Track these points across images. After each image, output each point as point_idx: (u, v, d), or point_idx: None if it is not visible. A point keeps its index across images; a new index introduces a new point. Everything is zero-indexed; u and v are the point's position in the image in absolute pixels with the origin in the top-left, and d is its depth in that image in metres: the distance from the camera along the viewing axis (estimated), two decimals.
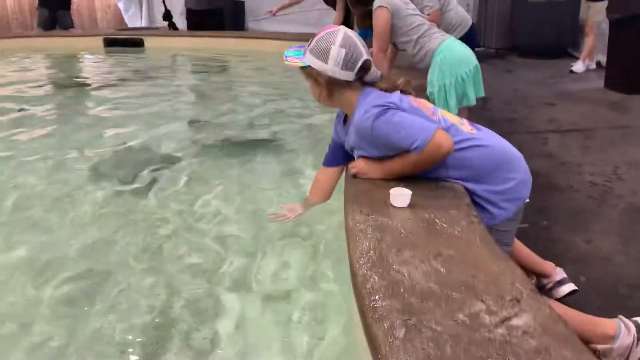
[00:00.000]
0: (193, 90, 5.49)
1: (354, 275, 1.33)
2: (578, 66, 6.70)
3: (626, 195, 3.15)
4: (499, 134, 1.93)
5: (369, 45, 2.14)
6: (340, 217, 1.80)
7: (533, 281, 2.10)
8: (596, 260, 2.48)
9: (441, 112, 1.88)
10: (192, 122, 4.12)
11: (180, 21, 7.72)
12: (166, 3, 7.63)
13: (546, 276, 2.14)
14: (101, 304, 1.92)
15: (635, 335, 1.75)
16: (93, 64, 7.01)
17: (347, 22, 5.26)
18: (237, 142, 3.63)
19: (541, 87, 6.11)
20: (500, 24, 8.24)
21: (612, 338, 1.74)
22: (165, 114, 4.40)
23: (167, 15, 7.61)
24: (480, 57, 3.19)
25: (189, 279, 2.07)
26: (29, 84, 5.49)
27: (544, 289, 2.11)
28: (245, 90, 5.25)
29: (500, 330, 1.07)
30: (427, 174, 1.82)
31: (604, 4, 5.91)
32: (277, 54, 2.23)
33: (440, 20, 3.70)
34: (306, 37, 1.97)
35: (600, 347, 1.75)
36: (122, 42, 7.26)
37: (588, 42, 6.70)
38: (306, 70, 1.86)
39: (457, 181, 1.81)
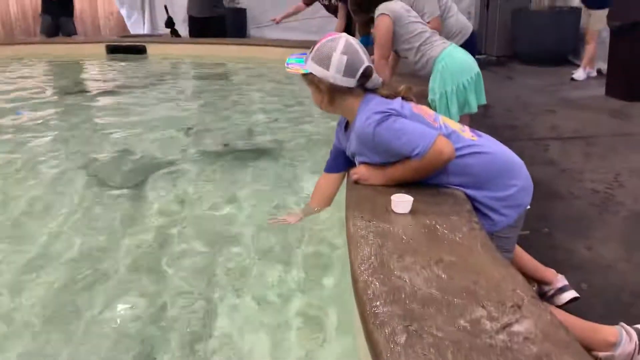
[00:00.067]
0: (194, 96, 5.51)
1: (355, 281, 1.33)
2: (579, 74, 6.72)
3: (628, 203, 3.15)
4: (500, 141, 1.93)
5: (371, 52, 2.16)
6: (341, 222, 1.80)
7: (534, 288, 2.10)
8: (598, 267, 2.48)
9: (442, 119, 1.89)
10: (192, 128, 4.13)
11: (183, 28, 7.75)
12: (169, 10, 7.67)
13: (547, 283, 2.14)
14: (93, 310, 1.92)
15: (637, 343, 1.74)
16: (95, 70, 7.04)
17: (348, 29, 5.28)
18: (237, 148, 3.64)
19: (542, 94, 6.12)
20: (501, 31, 8.28)
21: (613, 345, 1.74)
22: (166, 120, 4.41)
23: (170, 23, 7.65)
24: (481, 65, 3.20)
25: (185, 283, 2.07)
26: (31, 90, 5.50)
27: (545, 296, 2.11)
28: (246, 96, 5.27)
29: (502, 337, 1.07)
30: (428, 181, 1.82)
31: (605, 12, 5.92)
32: (279, 61, 2.24)
33: (441, 28, 3.71)
34: (308, 45, 1.98)
35: (601, 354, 1.74)
36: (125, 49, 7.29)
37: (589, 49, 6.72)
38: (308, 77, 1.87)
39: (458, 187, 1.82)
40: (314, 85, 1.87)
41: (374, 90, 1.88)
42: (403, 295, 1.22)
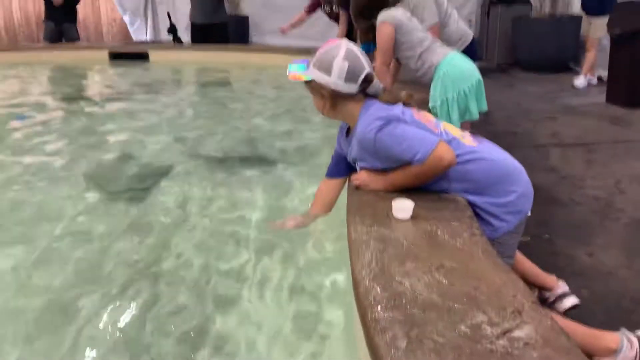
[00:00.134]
0: (196, 102, 5.53)
1: (356, 286, 1.34)
2: (580, 81, 6.74)
3: (629, 209, 3.15)
4: (502, 148, 1.94)
5: (372, 59, 2.17)
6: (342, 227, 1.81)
7: (535, 294, 2.10)
8: (599, 274, 2.48)
9: (443, 125, 1.90)
10: (192, 135, 4.14)
11: (185, 35, 7.78)
12: (171, 17, 7.71)
13: (548, 289, 2.14)
14: (90, 315, 1.92)
15: (638, 349, 1.74)
16: (98, 76, 7.07)
17: (350, 36, 5.30)
18: (238, 154, 3.65)
19: (543, 101, 6.13)
20: (502, 39, 8.31)
21: (614, 352, 1.74)
22: (168, 125, 4.42)
23: (172, 29, 7.69)
24: (482, 72, 3.21)
25: (183, 288, 2.08)
26: (33, 96, 5.53)
27: (546, 302, 2.11)
28: (247, 103, 5.28)
29: (502, 342, 1.07)
30: (429, 186, 1.83)
31: (605, 20, 5.95)
32: (281, 68, 2.25)
33: (440, 35, 3.73)
34: (309, 51, 1.99)
35: None
36: (128, 55, 7.33)
37: (589, 57, 6.74)
38: (309, 83, 1.88)
39: (459, 193, 1.82)
40: (316, 92, 1.89)
41: (375, 96, 1.89)
42: (404, 301, 1.22)
